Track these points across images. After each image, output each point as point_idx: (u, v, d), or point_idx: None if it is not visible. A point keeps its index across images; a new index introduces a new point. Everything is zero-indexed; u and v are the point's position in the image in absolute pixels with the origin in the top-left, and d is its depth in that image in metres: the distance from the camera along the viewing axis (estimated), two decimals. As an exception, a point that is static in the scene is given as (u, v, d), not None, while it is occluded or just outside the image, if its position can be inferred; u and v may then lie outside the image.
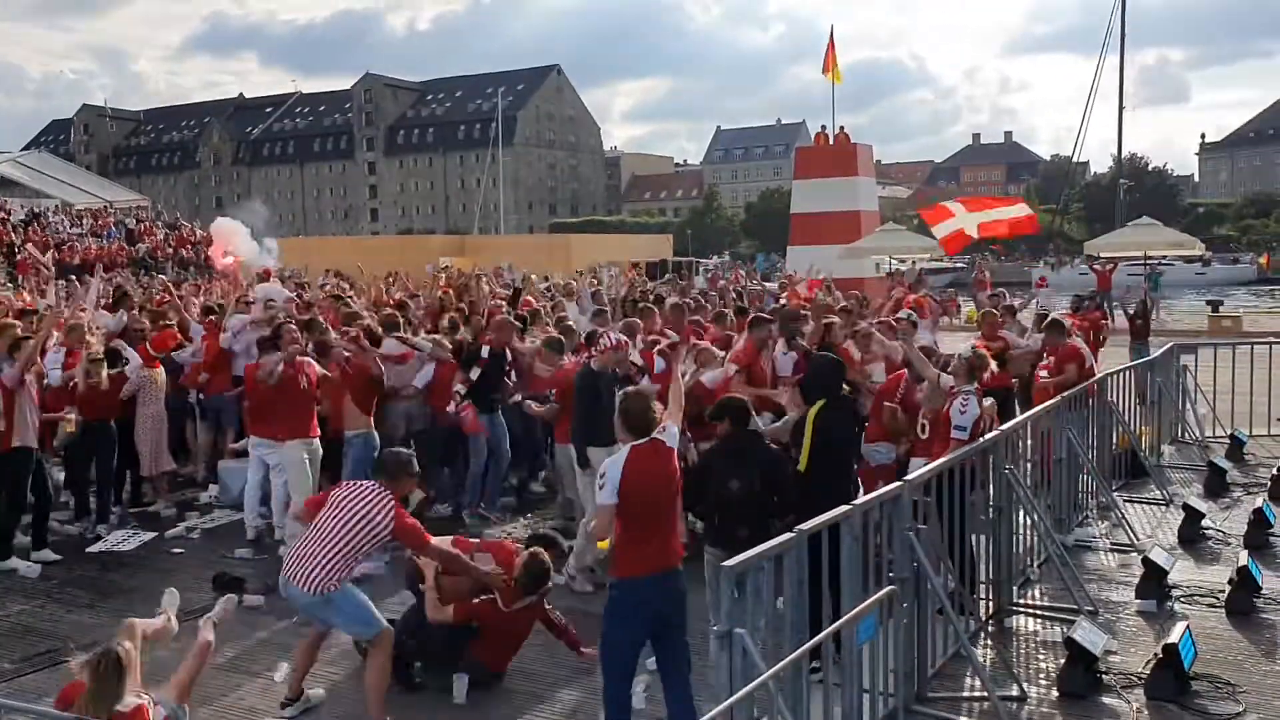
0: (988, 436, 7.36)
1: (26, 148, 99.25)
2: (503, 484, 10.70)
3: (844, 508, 5.60)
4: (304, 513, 6.30)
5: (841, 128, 35.75)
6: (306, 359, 9.34)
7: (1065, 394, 9.38)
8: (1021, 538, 7.97)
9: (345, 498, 5.92)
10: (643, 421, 5.41)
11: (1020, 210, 20.62)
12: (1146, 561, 7.91)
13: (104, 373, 9.82)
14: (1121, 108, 49.55)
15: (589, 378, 8.56)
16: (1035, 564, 8.35)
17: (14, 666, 6.99)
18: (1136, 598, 7.79)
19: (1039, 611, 7.65)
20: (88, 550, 9.53)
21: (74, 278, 24.46)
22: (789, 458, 6.71)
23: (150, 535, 9.95)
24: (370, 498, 5.87)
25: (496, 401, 10.32)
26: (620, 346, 8.82)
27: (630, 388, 6.24)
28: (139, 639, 5.74)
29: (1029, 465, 8.53)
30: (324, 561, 5.76)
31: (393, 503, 5.89)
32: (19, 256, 36.40)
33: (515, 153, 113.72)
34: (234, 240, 17.03)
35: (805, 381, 7.41)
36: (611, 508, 5.24)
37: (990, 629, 7.23)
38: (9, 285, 25.56)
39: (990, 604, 7.50)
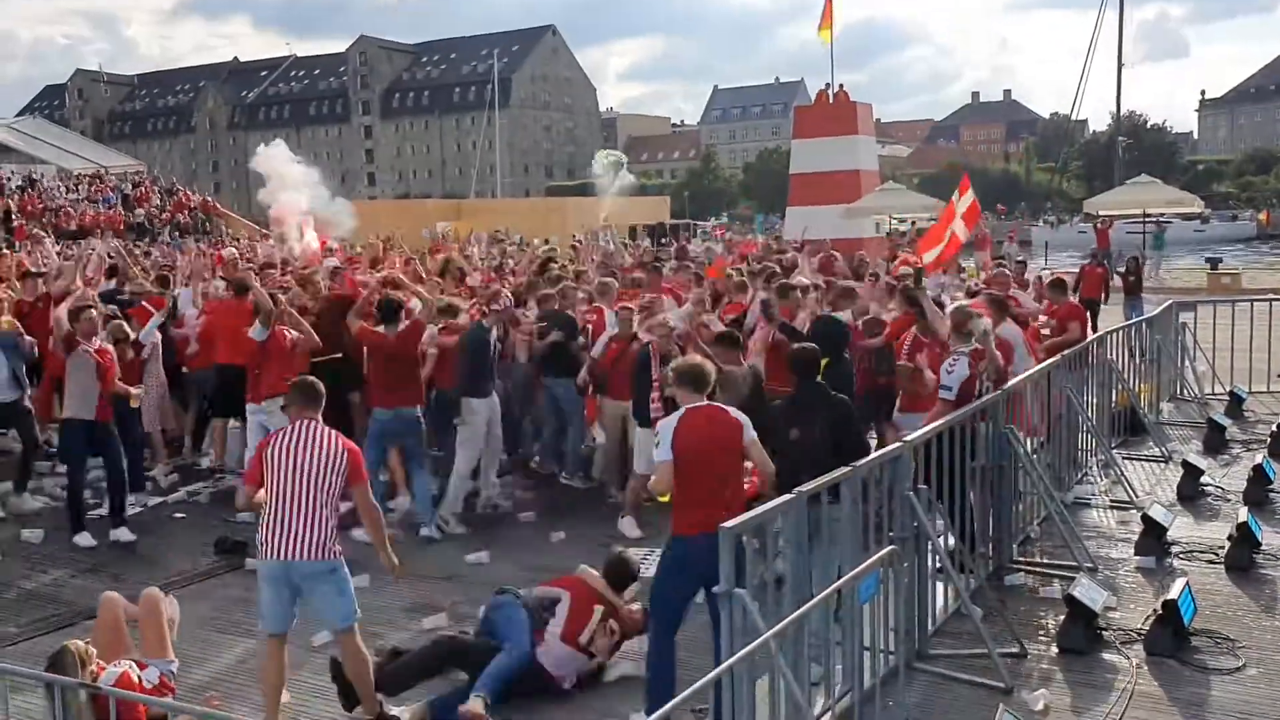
0: (986, 397, 7.37)
1: (21, 114, 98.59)
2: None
3: (844, 469, 5.63)
4: (251, 493, 5.73)
5: (841, 86, 35.47)
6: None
7: (1064, 352, 9.38)
8: (1021, 496, 7.99)
9: (291, 452, 5.53)
10: (699, 382, 5.58)
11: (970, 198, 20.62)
12: (1145, 518, 7.94)
13: (128, 349, 9.72)
14: (1120, 64, 49.44)
15: (481, 333, 9.21)
16: (1035, 522, 8.38)
17: (19, 630, 7.03)
18: (1136, 554, 7.83)
19: (1039, 569, 7.68)
20: (90, 515, 9.56)
21: (72, 243, 24.39)
22: (854, 409, 6.75)
23: (156, 500, 9.99)
24: (316, 437, 5.57)
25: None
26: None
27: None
28: (121, 611, 5.88)
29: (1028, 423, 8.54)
30: (318, 523, 5.47)
31: (332, 431, 5.66)
32: (15, 223, 36.28)
33: (511, 115, 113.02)
34: (300, 198, 13.07)
35: (813, 341, 7.45)
36: (668, 464, 5.39)
37: (990, 587, 7.27)
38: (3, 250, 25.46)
39: (990, 562, 7.54)
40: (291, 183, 12.98)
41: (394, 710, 5.68)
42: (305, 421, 5.64)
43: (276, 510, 5.49)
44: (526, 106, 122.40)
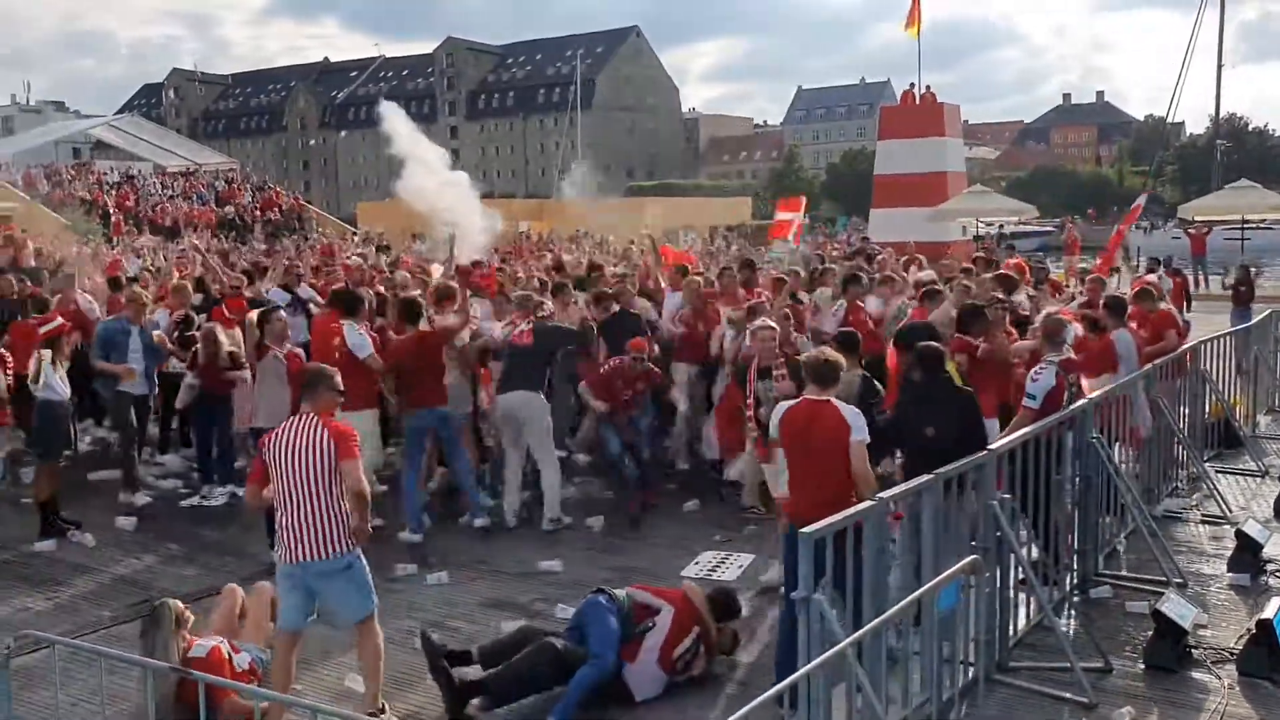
0: (1075, 405, 7.22)
1: (120, 111, 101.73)
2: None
3: (926, 476, 5.56)
4: (255, 492, 5.78)
5: (928, 87, 35.04)
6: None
7: (1156, 361, 9.14)
8: (1108, 507, 7.81)
9: (287, 449, 5.50)
10: (820, 375, 5.81)
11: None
12: (1240, 534, 7.70)
13: (223, 350, 9.81)
14: (1220, 65, 47.92)
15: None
16: (1122, 535, 8.19)
17: (112, 615, 7.25)
18: (1229, 571, 7.60)
19: (1126, 583, 7.50)
20: (180, 505, 9.84)
21: (165, 240, 25.08)
22: (977, 402, 6.73)
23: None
24: (306, 429, 5.53)
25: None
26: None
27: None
28: (238, 601, 6.22)
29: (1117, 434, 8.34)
30: (325, 518, 5.45)
31: (317, 419, 5.58)
32: (114, 218, 37.45)
33: (594, 116, 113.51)
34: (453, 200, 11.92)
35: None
36: (774, 441, 5.95)
37: (1075, 600, 7.11)
38: (100, 241, 26.37)
39: (1075, 575, 7.38)
40: (439, 180, 12.06)
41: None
42: (301, 416, 5.63)
43: (284, 510, 5.50)
44: (609, 108, 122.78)
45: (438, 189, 11.64)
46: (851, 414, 5.70)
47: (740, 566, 7.96)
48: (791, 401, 5.95)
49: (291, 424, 5.59)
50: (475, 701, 5.77)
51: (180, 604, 5.85)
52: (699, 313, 10.48)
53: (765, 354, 8.07)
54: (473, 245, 12.60)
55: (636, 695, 5.89)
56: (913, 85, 35.61)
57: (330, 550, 5.45)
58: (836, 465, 5.63)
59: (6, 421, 9.62)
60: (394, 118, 12.04)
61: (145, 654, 5.51)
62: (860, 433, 5.63)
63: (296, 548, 5.45)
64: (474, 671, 5.90)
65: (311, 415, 5.59)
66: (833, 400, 5.79)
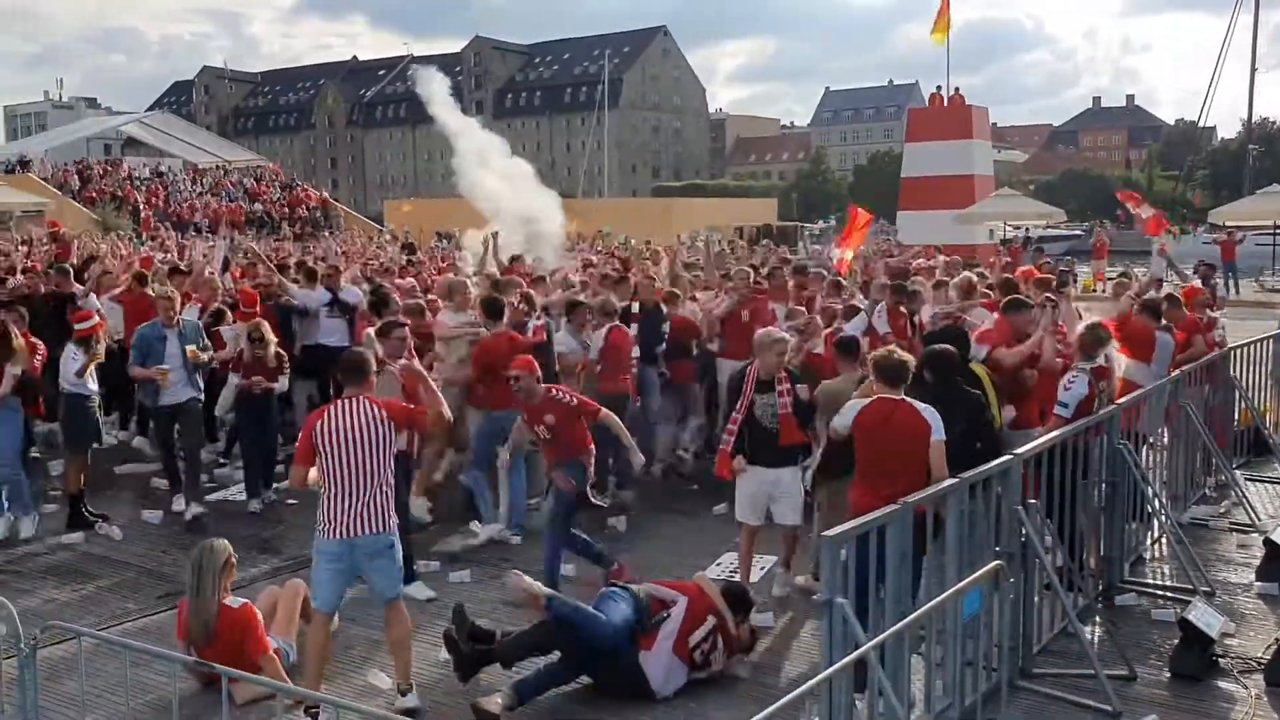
0: (1102, 411, 7.16)
1: (150, 108, 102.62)
2: None
3: (951, 480, 5.53)
4: (301, 474, 5.78)
5: (956, 89, 34.94)
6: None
7: (1184, 368, 9.06)
8: (1135, 514, 7.74)
9: (341, 430, 5.61)
10: (893, 374, 5.95)
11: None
12: (1269, 542, 7.61)
13: (271, 349, 9.57)
14: (1254, 69, 47.50)
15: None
16: (1149, 542, 8.11)
17: (138, 608, 7.31)
18: (1257, 580, 7.52)
19: (1152, 590, 7.44)
20: (206, 499, 9.90)
21: (195, 233, 25.27)
22: (986, 405, 6.77)
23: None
24: (359, 410, 5.66)
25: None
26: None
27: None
28: (274, 598, 6.46)
29: (1144, 440, 8.27)
30: (376, 495, 5.63)
31: (365, 400, 5.73)
32: (143, 214, 37.79)
33: (620, 116, 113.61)
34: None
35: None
36: (839, 433, 6.08)
37: (1100, 607, 7.06)
38: (134, 240, 26.62)
39: (1101, 581, 7.32)
40: (501, 174, 11.88)
41: (488, 701, 5.72)
42: (351, 399, 5.74)
43: (336, 489, 5.62)
44: (636, 107, 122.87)
45: (504, 187, 11.52)
46: (930, 413, 5.86)
47: (763, 569, 7.94)
48: (864, 400, 6.03)
49: (341, 407, 5.72)
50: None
51: (232, 555, 6.09)
52: (754, 312, 10.33)
53: (772, 365, 7.35)
54: (551, 247, 12.70)
55: (654, 685, 5.90)
56: (939, 88, 35.49)
57: (380, 526, 5.64)
58: (911, 463, 5.76)
59: (40, 413, 9.68)
60: (431, 84, 11.87)
61: (190, 588, 5.97)
62: (939, 432, 5.81)
63: (350, 524, 5.59)
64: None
65: (359, 398, 5.74)
66: (907, 399, 5.93)
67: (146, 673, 5.73)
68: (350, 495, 5.60)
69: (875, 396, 6.04)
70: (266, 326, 9.77)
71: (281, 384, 9.78)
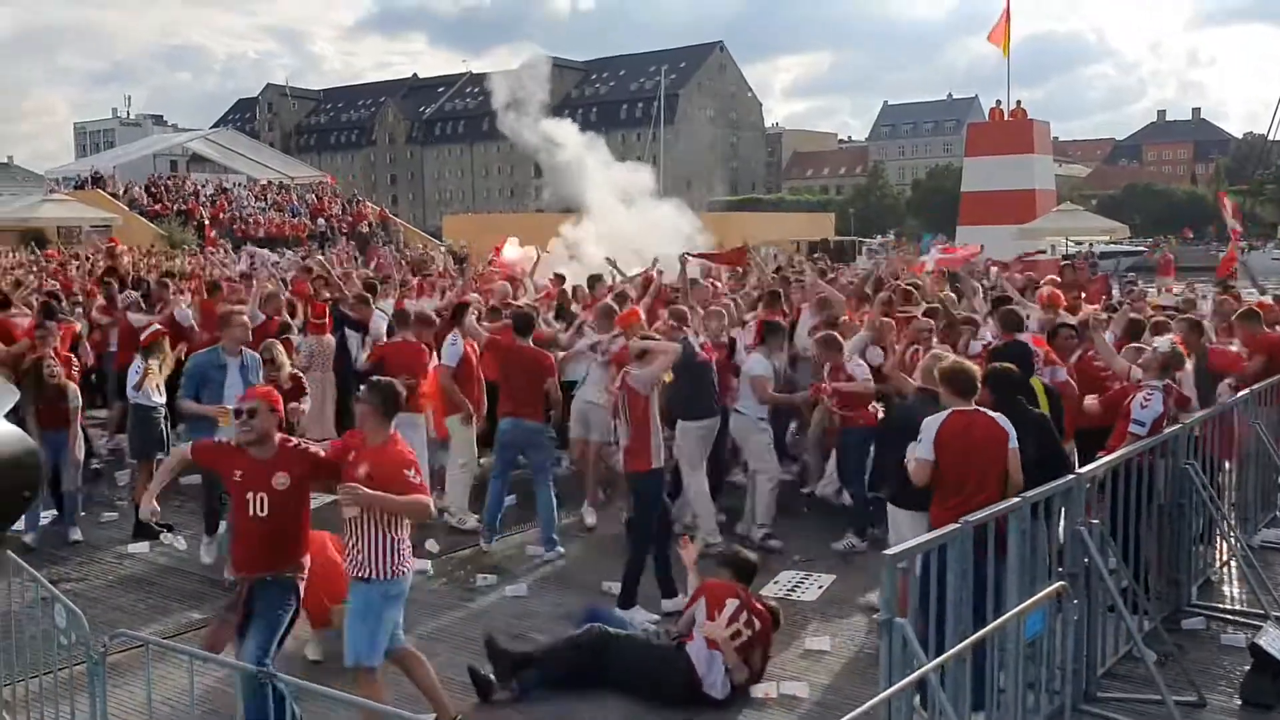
0: (1168, 430, 7.02)
1: (215, 125, 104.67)
2: None
3: (1013, 499, 5.46)
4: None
5: (1018, 102, 34.64)
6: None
7: (1257, 385, 8.85)
8: (1203, 536, 7.58)
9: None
10: (967, 385, 5.94)
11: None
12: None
13: (284, 371, 8.92)
14: (1325, 81, 46.35)
15: None
16: (1218, 564, 7.94)
17: (202, 616, 7.39)
18: (1330, 605, 7.32)
19: (1221, 614, 7.27)
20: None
21: (258, 249, 25.73)
22: (1050, 423, 6.67)
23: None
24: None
25: None
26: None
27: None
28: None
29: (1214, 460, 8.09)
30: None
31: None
32: (207, 229, 38.52)
33: (676, 131, 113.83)
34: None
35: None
36: (926, 463, 5.84)
37: (1167, 630, 6.91)
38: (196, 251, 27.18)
39: (1167, 604, 7.17)
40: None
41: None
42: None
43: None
44: (692, 122, 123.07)
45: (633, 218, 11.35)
46: (1004, 421, 5.88)
47: (820, 587, 7.89)
48: (942, 415, 5.93)
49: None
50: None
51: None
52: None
53: None
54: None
55: (700, 674, 5.97)
56: (999, 102, 35.17)
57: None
58: (992, 473, 5.79)
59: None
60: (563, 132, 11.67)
61: None
62: (1014, 440, 5.83)
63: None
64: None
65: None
66: (982, 409, 5.93)
67: (209, 680, 5.82)
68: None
69: (949, 410, 5.95)
70: (280, 348, 9.16)
71: (305, 405, 9.05)
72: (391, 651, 5.48)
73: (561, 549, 8.72)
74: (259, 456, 5.36)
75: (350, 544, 5.30)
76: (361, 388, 5.69)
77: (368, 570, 5.26)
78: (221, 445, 5.69)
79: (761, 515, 9.00)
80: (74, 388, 9.21)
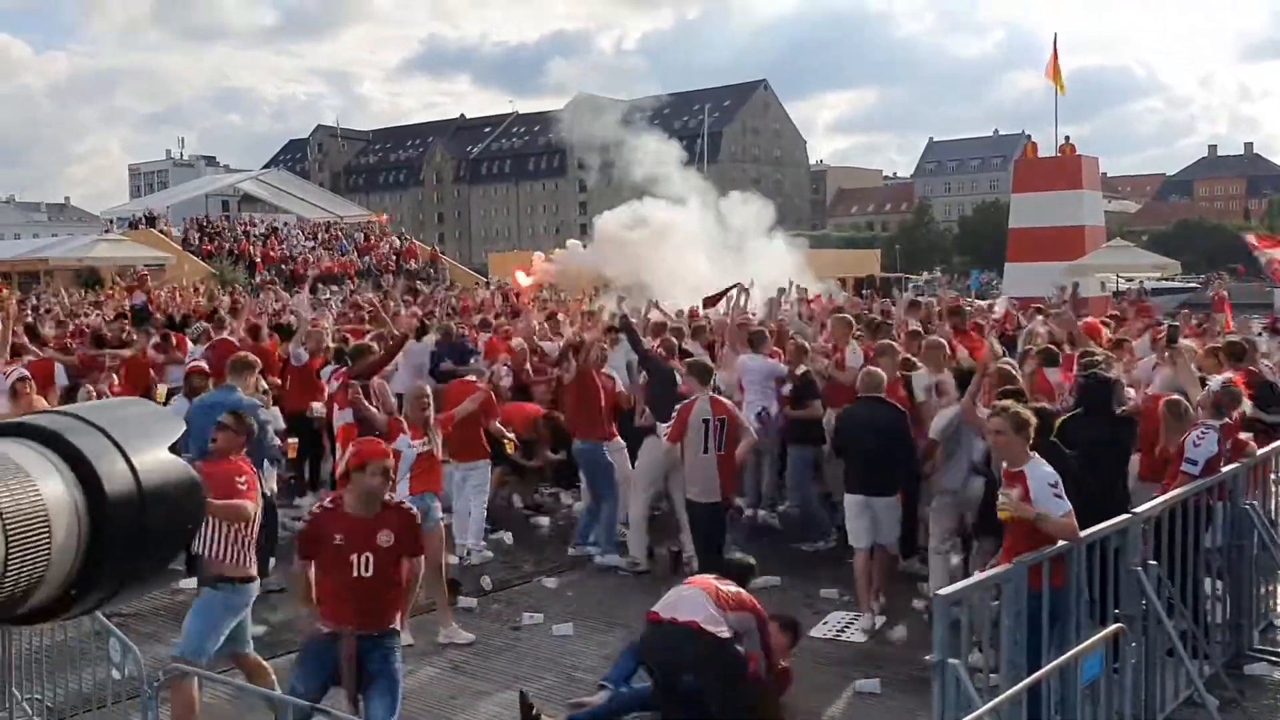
0: (1226, 468, 6.89)
1: (267, 166, 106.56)
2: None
3: (1063, 541, 5.37)
4: None
5: (1067, 138, 34.43)
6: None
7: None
8: (1265, 578, 7.40)
9: None
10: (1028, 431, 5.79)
11: None
12: None
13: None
14: (1381, 115, 45.67)
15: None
16: None
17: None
18: (1398, 650, 7.12)
19: (1284, 659, 7.08)
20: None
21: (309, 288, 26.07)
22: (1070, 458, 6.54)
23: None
24: None
25: None
26: None
27: None
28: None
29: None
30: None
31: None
32: (259, 268, 39.13)
33: (720, 168, 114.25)
34: None
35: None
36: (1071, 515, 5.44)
37: (1228, 675, 6.74)
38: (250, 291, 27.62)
39: (1228, 649, 7.00)
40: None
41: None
42: None
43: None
44: (736, 160, 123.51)
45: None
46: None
47: (865, 630, 7.79)
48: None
49: None
50: None
51: None
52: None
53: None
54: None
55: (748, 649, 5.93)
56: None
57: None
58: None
59: None
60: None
61: None
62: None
63: None
64: None
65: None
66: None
67: (262, 716, 5.84)
68: None
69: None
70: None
71: (287, 445, 9.52)
72: (236, 656, 5.89)
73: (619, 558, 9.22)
74: (361, 515, 5.13)
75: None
76: None
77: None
78: (315, 520, 5.34)
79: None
80: None
